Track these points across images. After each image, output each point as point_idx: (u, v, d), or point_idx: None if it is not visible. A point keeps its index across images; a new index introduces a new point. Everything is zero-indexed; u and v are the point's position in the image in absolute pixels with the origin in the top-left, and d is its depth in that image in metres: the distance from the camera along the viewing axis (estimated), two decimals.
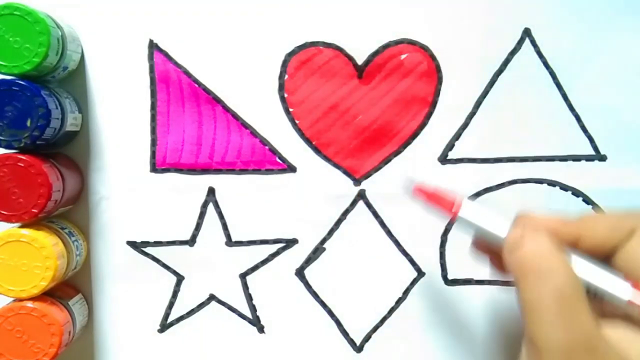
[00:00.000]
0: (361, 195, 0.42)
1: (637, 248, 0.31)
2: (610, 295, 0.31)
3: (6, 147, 0.36)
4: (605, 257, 0.32)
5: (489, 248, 0.35)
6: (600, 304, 0.32)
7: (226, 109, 0.41)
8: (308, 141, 0.42)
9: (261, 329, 0.43)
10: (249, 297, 0.42)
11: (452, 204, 0.34)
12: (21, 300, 0.37)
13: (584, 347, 0.29)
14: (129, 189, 0.41)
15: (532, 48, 0.41)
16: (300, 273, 0.42)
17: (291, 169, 0.42)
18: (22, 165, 0.36)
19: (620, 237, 0.32)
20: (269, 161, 0.42)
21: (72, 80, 0.40)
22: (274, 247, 0.42)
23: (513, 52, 0.41)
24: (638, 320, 0.30)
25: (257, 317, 0.43)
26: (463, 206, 0.34)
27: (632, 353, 0.30)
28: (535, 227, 0.32)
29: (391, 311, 0.43)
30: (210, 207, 0.42)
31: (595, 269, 0.32)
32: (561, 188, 0.42)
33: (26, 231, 0.37)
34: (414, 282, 0.43)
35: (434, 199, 0.35)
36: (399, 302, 0.43)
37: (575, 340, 0.29)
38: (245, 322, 0.43)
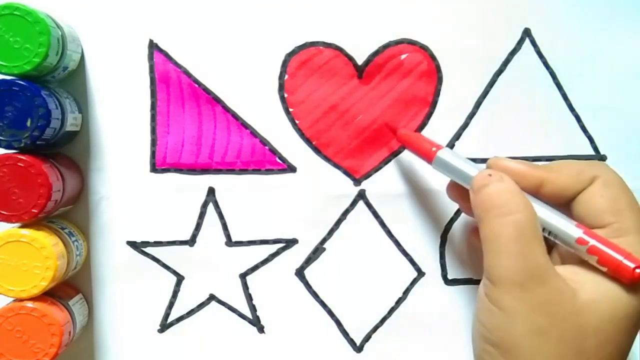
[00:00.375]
0: (361, 195, 0.42)
1: (592, 195, 0.34)
2: (561, 235, 0.33)
3: (6, 147, 0.36)
4: (566, 203, 0.35)
5: (460, 192, 0.38)
6: (560, 255, 0.35)
7: (226, 109, 0.41)
8: (308, 141, 0.42)
9: (261, 329, 0.43)
10: (249, 297, 0.42)
11: (432, 146, 0.37)
12: (21, 300, 0.37)
13: (536, 279, 0.31)
14: (129, 189, 0.41)
15: (532, 48, 0.41)
16: (300, 273, 0.42)
17: (291, 169, 0.42)
18: (22, 165, 0.36)
19: (580, 185, 0.34)
20: (269, 161, 0.42)
21: (72, 80, 0.40)
22: (274, 247, 0.42)
23: (513, 52, 0.41)
24: (589, 264, 0.33)
25: (257, 317, 0.43)
26: (442, 149, 0.37)
27: (582, 289, 0.32)
28: (503, 170, 0.35)
29: (391, 311, 0.43)
30: (210, 207, 0.42)
31: (551, 212, 0.34)
32: None
33: (26, 231, 0.37)
34: (414, 282, 0.43)
35: (416, 142, 0.39)
36: (399, 302, 0.43)
37: (528, 272, 0.31)
38: (245, 322, 0.43)
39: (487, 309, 0.33)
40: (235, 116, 0.41)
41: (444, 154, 0.37)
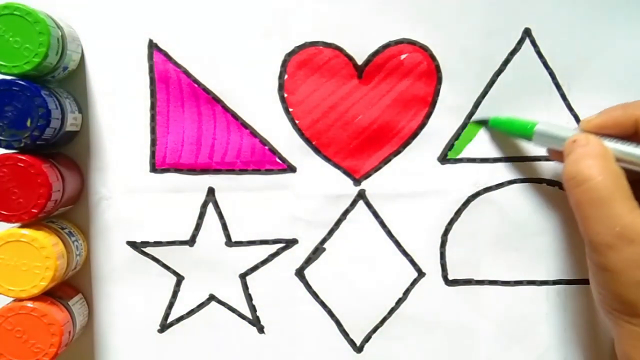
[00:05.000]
0: (361, 195, 0.42)
1: None
2: None
3: (6, 147, 0.36)
4: None
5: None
6: None
7: (226, 109, 0.41)
8: (308, 141, 0.42)
9: (261, 329, 0.43)
10: (249, 297, 0.42)
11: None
12: (21, 300, 0.37)
13: (623, 239, 0.33)
14: (129, 189, 0.41)
15: (532, 48, 0.41)
16: (300, 273, 0.42)
17: (291, 169, 0.42)
18: (22, 165, 0.36)
19: None
20: (268, 161, 0.42)
21: (72, 80, 0.40)
22: (274, 247, 0.42)
23: (513, 52, 0.41)
24: None
25: (257, 317, 0.43)
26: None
27: None
28: (593, 128, 0.37)
29: (391, 311, 0.43)
30: (210, 207, 0.42)
31: None
32: (560, 188, 0.42)
33: (26, 231, 0.37)
34: (414, 282, 0.43)
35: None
36: (399, 302, 0.43)
37: (613, 234, 0.33)
38: (245, 322, 0.43)
39: (591, 272, 0.35)
40: (235, 116, 0.41)
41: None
